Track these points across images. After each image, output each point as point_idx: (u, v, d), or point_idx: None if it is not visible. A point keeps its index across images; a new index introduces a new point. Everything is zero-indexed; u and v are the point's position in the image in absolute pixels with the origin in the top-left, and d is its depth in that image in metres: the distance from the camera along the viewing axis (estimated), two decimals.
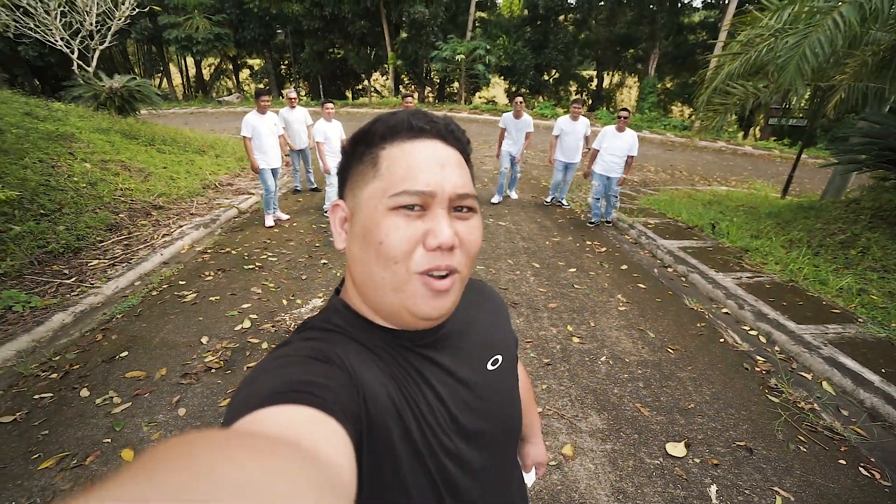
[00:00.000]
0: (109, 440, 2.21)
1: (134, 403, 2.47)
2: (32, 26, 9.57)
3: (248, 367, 2.80)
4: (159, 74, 28.22)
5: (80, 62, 10.48)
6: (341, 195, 0.57)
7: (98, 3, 10.14)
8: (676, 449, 2.18)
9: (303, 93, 26.79)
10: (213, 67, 28.89)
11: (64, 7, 9.89)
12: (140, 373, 2.72)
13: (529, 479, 0.89)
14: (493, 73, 20.72)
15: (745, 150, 15.84)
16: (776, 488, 1.99)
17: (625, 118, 5.30)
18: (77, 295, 3.61)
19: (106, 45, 10.51)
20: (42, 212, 4.56)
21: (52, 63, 20.91)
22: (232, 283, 4.00)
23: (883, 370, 2.73)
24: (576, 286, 3.99)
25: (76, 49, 10.37)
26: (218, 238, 5.20)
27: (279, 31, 22.68)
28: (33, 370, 2.73)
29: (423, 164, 0.49)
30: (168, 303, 3.63)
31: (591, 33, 22.80)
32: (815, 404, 2.56)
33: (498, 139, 6.43)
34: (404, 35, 21.65)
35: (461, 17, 21.65)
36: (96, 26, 10.21)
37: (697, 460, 2.13)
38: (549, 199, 6.82)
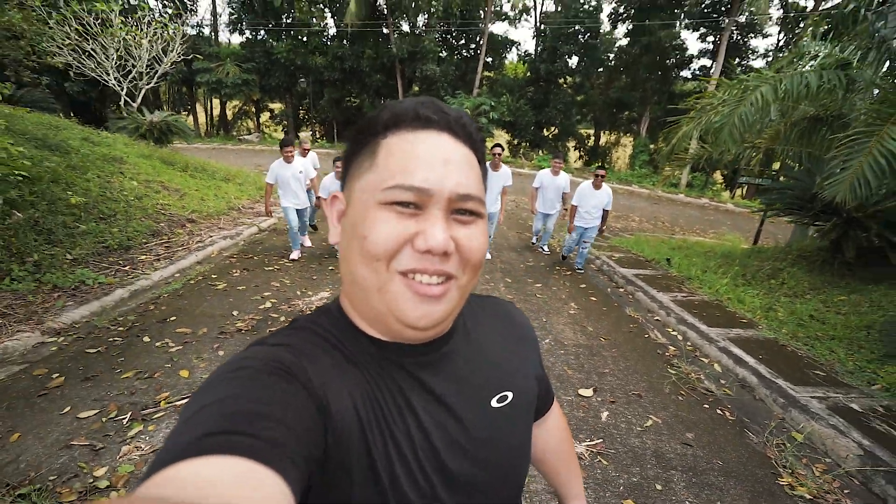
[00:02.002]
0: (169, 365, 3.01)
1: (184, 347, 3.27)
2: (93, 66, 11.01)
3: (269, 331, 3.61)
4: (186, 112, 30.31)
5: (128, 98, 11.85)
6: (342, 187, 0.52)
7: (149, 50, 11.66)
8: (586, 392, 2.95)
9: (318, 135, 28.65)
10: (236, 108, 31.02)
11: (121, 51, 11.38)
12: (187, 329, 3.54)
13: None
14: (497, 126, 22.38)
15: (727, 207, 16.92)
16: (651, 416, 2.75)
17: (601, 176, 5.61)
18: (131, 279, 4.47)
19: (152, 85, 11.96)
20: (101, 216, 5.51)
21: (93, 98, 22.74)
22: (255, 278, 4.85)
23: (760, 356, 3.52)
24: (538, 295, 4.83)
25: (125, 87, 11.77)
26: (241, 247, 6.10)
27: (301, 79, 24.77)
28: (105, 324, 3.55)
29: (423, 157, 0.44)
30: (204, 289, 4.48)
31: (587, 96, 24.70)
32: (702, 375, 3.34)
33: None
34: (416, 89, 23.58)
35: (469, 76, 23.67)
36: (146, 69, 11.70)
37: (600, 399, 2.90)
38: (533, 240, 7.29)
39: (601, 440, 2.48)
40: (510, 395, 0.55)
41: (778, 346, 3.77)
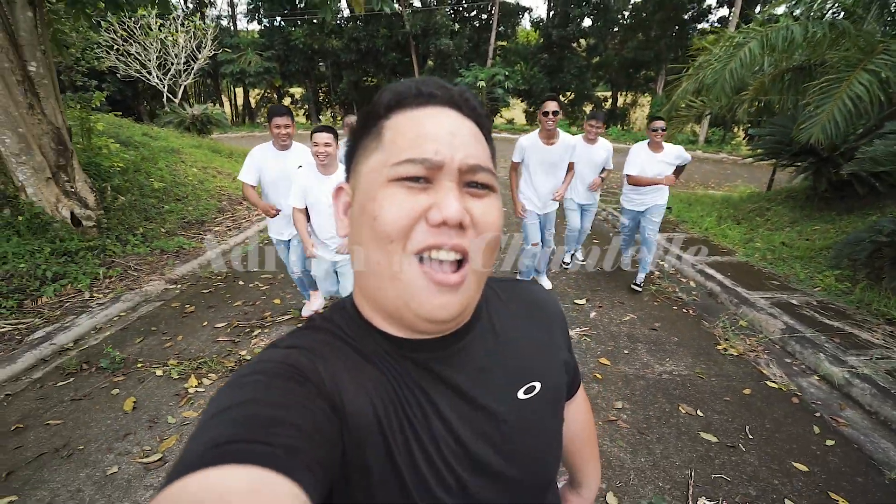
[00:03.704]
0: (265, 297, 4.03)
1: (271, 287, 4.29)
2: (137, 67, 12.11)
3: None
4: (212, 103, 31.58)
5: (169, 95, 12.95)
6: (347, 178, 0.50)
7: (185, 48, 12.67)
8: (580, 301, 3.82)
9: (339, 117, 29.53)
10: (259, 96, 32.10)
11: (160, 52, 12.43)
12: (269, 275, 4.56)
13: None
14: (512, 95, 22.70)
15: (746, 161, 17.04)
16: (629, 314, 3.60)
17: (662, 130, 3.75)
18: (215, 244, 5.53)
19: (190, 80, 13.03)
20: (177, 197, 6.59)
21: (129, 97, 24.13)
22: None
23: (729, 274, 4.28)
24: None
25: (166, 84, 12.85)
26: None
27: (320, 63, 25.51)
28: (207, 275, 4.60)
29: (431, 132, 0.43)
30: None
31: (602, 58, 24.53)
32: (677, 289, 4.14)
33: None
34: (431, 64, 23.99)
35: (483, 47, 23.88)
36: (183, 66, 12.75)
37: (590, 304, 3.77)
38: (567, 261, 4.81)
39: (588, 328, 3.36)
40: (538, 385, 0.53)
41: (748, 267, 4.51)
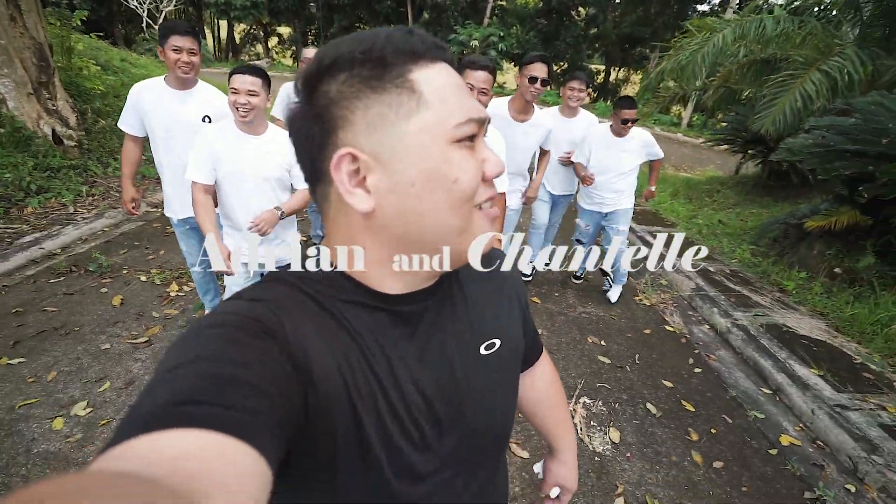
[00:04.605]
0: None
1: None
2: None
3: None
4: None
5: (149, 21, 12.48)
6: (338, 141, 0.41)
7: None
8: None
9: None
10: (245, 32, 30.71)
11: None
12: None
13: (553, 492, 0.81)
14: (506, 59, 22.45)
15: (724, 147, 17.60)
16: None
17: (631, 121, 2.96)
18: None
19: (172, 7, 12.55)
20: None
21: (101, 17, 22.84)
22: None
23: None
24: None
25: (146, 9, 12.36)
26: None
27: (311, 3, 24.47)
28: None
29: (461, 87, 0.43)
30: None
31: (599, 30, 24.30)
32: None
33: None
34: (427, 17, 23.35)
35: (481, 4, 23.28)
36: None
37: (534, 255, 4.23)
38: (528, 273, 3.82)
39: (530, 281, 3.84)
40: (498, 342, 0.55)
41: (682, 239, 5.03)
